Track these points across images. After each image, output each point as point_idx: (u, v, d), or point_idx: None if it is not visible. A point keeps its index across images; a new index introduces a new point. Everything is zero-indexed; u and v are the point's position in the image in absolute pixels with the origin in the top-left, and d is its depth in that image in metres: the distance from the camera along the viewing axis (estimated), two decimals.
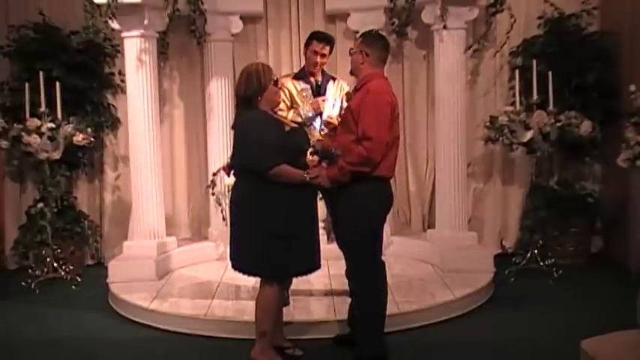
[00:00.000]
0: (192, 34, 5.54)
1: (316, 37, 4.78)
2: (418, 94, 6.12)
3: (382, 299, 3.76)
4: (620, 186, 5.51)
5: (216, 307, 4.52)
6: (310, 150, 3.72)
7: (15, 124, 5.36)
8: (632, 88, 4.79)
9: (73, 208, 5.98)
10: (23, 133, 5.29)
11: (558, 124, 5.23)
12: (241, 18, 5.83)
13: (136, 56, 5.30)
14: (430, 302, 4.51)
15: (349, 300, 3.90)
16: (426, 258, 5.49)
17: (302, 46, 5.15)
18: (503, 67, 6.01)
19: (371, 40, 3.78)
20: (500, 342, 4.06)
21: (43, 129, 5.29)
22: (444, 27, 5.24)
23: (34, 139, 5.27)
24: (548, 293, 4.97)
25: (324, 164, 3.68)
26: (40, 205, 5.59)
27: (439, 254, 5.31)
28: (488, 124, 5.54)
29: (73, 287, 5.40)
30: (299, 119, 4.62)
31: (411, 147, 6.18)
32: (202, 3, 5.39)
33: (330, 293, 4.70)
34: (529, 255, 5.36)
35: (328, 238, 5.14)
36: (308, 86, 4.79)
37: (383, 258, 3.79)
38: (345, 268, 3.82)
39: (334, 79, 4.80)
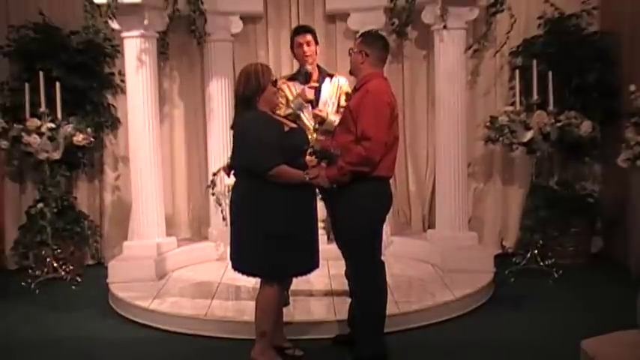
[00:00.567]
0: (192, 34, 5.54)
1: (296, 31, 4.73)
2: (418, 94, 6.12)
3: (382, 299, 3.76)
4: (620, 186, 5.50)
5: (216, 307, 4.51)
6: (309, 150, 3.71)
7: (15, 124, 5.37)
8: (632, 88, 4.78)
9: (73, 208, 5.98)
10: (23, 133, 5.29)
11: (558, 124, 5.23)
12: (241, 18, 5.83)
13: (136, 56, 5.30)
14: (430, 302, 4.50)
15: (349, 300, 3.90)
16: (426, 258, 5.49)
17: None
18: (504, 67, 6.01)
19: (371, 40, 3.78)
20: (500, 342, 4.06)
21: (43, 129, 5.29)
22: (444, 27, 5.23)
23: (34, 139, 5.27)
24: (548, 293, 4.97)
25: (323, 164, 3.68)
26: (40, 205, 5.59)
27: (439, 254, 5.31)
28: (488, 124, 5.54)
29: (73, 287, 5.40)
30: (289, 111, 4.53)
31: (411, 147, 6.17)
32: (202, 3, 5.39)
33: (330, 293, 4.69)
34: (529, 255, 5.36)
35: (328, 238, 5.13)
36: (303, 87, 4.75)
37: (383, 258, 3.78)
38: (344, 268, 3.82)
39: (331, 76, 4.74)
